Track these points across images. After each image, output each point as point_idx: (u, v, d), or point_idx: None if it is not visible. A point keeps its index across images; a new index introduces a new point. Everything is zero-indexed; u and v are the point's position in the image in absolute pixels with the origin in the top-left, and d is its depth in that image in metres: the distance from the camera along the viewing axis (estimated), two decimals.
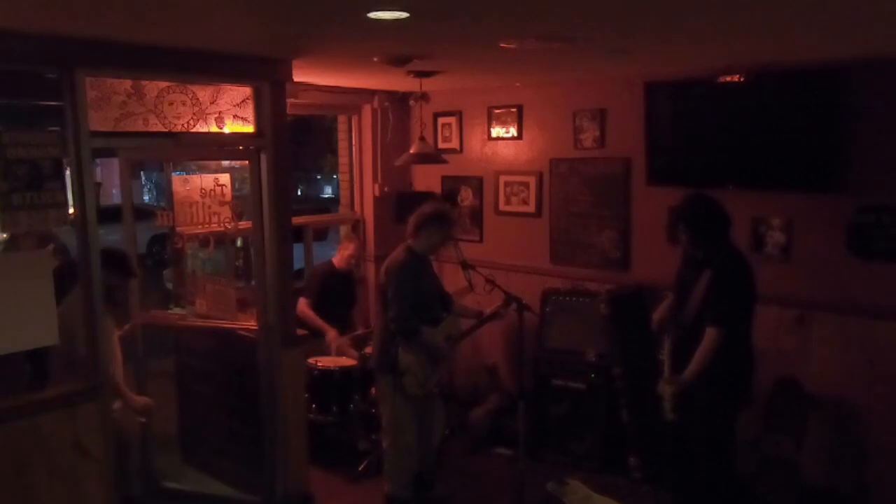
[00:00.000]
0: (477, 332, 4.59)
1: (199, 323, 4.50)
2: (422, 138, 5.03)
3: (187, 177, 4.62)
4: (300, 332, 4.41)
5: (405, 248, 4.12)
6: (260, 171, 4.09)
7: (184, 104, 3.86)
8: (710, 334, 3.56)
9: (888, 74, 3.94)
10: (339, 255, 5.50)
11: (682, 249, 3.93)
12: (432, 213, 4.11)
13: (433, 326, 4.08)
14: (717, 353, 3.56)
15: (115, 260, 3.72)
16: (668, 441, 3.99)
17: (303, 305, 5.21)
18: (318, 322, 5.20)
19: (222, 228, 4.61)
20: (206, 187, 4.54)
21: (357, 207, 6.19)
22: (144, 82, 3.68)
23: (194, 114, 3.90)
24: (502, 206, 5.77)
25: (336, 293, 5.38)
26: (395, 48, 3.66)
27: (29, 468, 3.24)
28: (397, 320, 3.96)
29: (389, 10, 2.65)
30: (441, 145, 5.98)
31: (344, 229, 6.30)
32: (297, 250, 5.36)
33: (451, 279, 5.57)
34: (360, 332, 5.39)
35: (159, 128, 3.77)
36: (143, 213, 7.68)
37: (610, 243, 5.16)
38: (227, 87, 3.99)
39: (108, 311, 3.62)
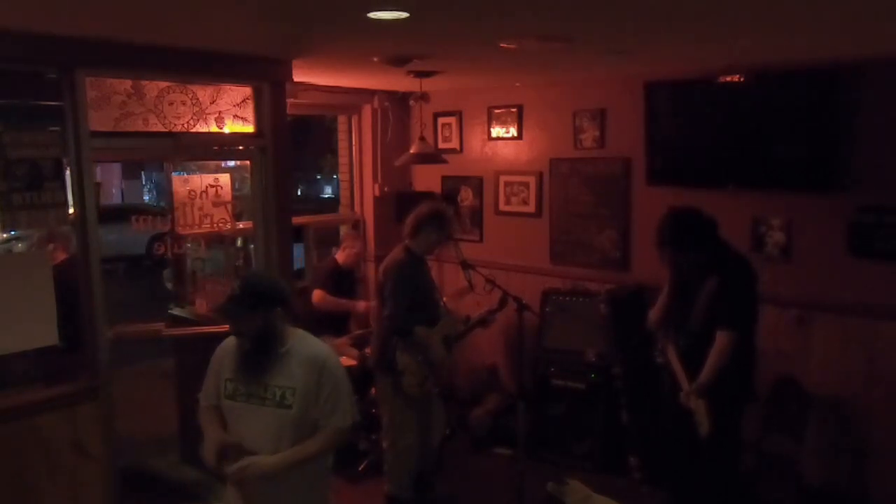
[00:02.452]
0: (475, 332, 4.59)
1: (175, 332, 4.44)
2: (422, 138, 5.03)
3: (187, 177, 4.61)
4: None
5: (403, 249, 4.12)
6: (260, 171, 4.09)
7: (184, 104, 3.86)
8: (722, 337, 3.52)
9: (888, 74, 3.94)
10: (344, 253, 5.50)
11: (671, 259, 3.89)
12: (430, 213, 4.10)
13: (430, 327, 4.08)
14: (730, 355, 3.55)
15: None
16: (669, 441, 3.99)
17: (320, 295, 5.24)
18: (342, 302, 5.30)
19: (216, 230, 4.59)
20: (197, 189, 4.50)
21: (357, 207, 6.20)
22: (144, 82, 3.68)
23: (194, 114, 3.90)
24: (502, 206, 5.76)
25: (340, 290, 5.39)
26: (395, 48, 3.66)
27: (29, 468, 3.24)
28: (392, 318, 3.97)
29: (389, 10, 2.65)
30: (441, 145, 5.98)
31: (344, 229, 6.30)
32: (297, 250, 5.36)
33: (452, 279, 5.58)
34: (359, 331, 5.39)
35: (159, 128, 3.77)
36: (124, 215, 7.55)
37: (610, 243, 5.16)
38: (227, 87, 4.00)
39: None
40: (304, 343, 2.66)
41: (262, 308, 2.55)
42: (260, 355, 2.59)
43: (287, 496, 2.62)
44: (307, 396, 2.57)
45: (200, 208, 4.48)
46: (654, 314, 3.94)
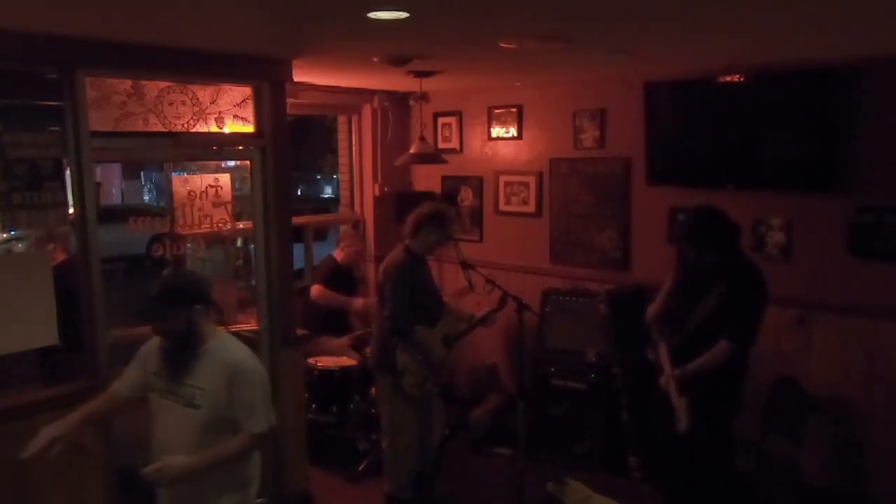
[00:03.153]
0: (475, 332, 4.59)
1: None
2: (422, 138, 5.03)
3: (187, 177, 4.60)
4: (300, 331, 4.41)
5: (403, 249, 4.12)
6: (260, 171, 4.09)
7: (184, 104, 3.86)
8: (724, 347, 3.52)
9: (888, 74, 3.94)
10: (343, 252, 5.50)
11: (682, 255, 3.90)
12: (430, 213, 4.11)
13: (430, 327, 4.08)
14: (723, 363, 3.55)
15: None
16: (668, 441, 3.99)
17: (319, 290, 5.25)
18: (340, 298, 5.29)
19: (216, 230, 4.58)
20: (197, 189, 4.48)
21: (357, 207, 6.19)
22: (144, 82, 3.68)
23: (194, 114, 3.90)
24: (502, 206, 5.76)
25: (339, 289, 5.39)
26: (395, 48, 3.66)
27: (29, 468, 3.24)
28: (392, 318, 3.97)
29: (389, 10, 2.65)
30: (441, 145, 5.98)
31: (344, 229, 6.30)
32: (297, 250, 5.36)
33: (451, 279, 5.58)
34: (360, 332, 5.39)
35: (159, 128, 3.77)
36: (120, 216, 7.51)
37: (610, 243, 5.16)
38: (227, 87, 3.99)
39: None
40: (223, 345, 2.65)
41: (181, 306, 2.54)
42: (178, 353, 2.59)
43: (200, 498, 2.62)
44: (217, 399, 2.55)
45: (200, 208, 4.46)
46: (652, 309, 3.94)
